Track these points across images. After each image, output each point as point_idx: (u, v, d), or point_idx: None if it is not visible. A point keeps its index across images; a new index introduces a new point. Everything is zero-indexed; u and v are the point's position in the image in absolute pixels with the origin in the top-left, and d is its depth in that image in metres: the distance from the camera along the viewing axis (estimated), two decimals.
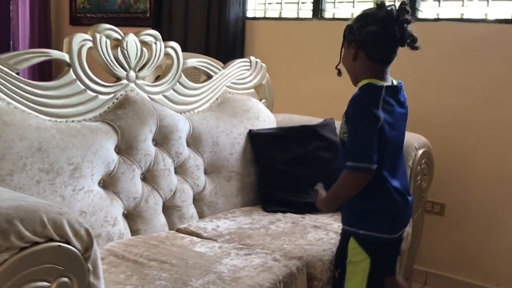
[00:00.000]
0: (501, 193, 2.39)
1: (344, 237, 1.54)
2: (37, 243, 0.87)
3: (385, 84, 1.49)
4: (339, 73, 1.59)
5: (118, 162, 1.73)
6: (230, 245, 1.68)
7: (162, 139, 1.90)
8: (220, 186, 2.07)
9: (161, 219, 1.85)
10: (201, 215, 1.99)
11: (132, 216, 1.76)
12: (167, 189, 1.88)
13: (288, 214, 2.03)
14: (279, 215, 2.01)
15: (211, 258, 1.55)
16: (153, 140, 1.87)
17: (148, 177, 1.84)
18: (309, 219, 1.99)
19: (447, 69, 2.48)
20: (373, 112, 1.43)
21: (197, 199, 2.00)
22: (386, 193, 1.49)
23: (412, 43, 1.47)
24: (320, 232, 1.84)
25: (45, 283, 0.89)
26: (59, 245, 0.90)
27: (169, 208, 1.89)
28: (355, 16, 1.51)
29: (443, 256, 2.56)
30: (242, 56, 3.04)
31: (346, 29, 1.51)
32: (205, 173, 2.05)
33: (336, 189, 1.50)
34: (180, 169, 1.96)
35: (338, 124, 1.89)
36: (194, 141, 2.02)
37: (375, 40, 1.45)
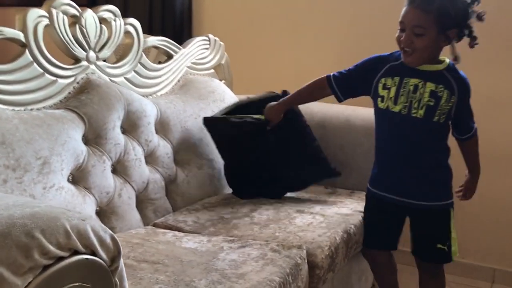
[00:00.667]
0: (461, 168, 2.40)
1: (442, 212, 1.67)
2: (61, 258, 0.71)
3: None
4: (456, 59, 1.63)
5: (88, 154, 1.54)
6: (219, 238, 1.55)
7: (131, 126, 1.72)
8: (191, 174, 1.92)
9: (136, 214, 1.68)
10: (175, 207, 1.83)
11: (105, 213, 1.58)
12: (140, 181, 1.71)
13: (265, 200, 1.92)
14: (257, 201, 1.89)
15: (205, 254, 1.41)
16: (121, 127, 1.69)
17: (119, 168, 1.66)
18: (288, 203, 1.89)
19: None
20: None
21: (170, 190, 1.84)
22: None
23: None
24: (307, 217, 1.75)
25: None
26: (87, 258, 0.73)
27: (142, 202, 1.73)
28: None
29: None
30: (190, 35, 2.87)
31: (438, 12, 1.50)
32: (175, 161, 1.89)
33: (478, 157, 1.75)
34: (150, 158, 1.79)
35: None
36: (162, 127, 1.85)
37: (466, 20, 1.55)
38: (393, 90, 1.63)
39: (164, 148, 1.83)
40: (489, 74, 2.30)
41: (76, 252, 0.73)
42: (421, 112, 1.59)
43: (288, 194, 2.00)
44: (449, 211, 1.68)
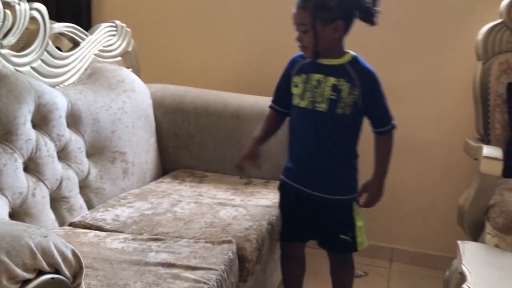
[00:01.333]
0: (367, 154, 2.53)
1: (345, 205, 1.73)
2: (27, 281, 0.64)
3: None
4: (317, 55, 1.65)
5: None
6: (143, 237, 1.50)
7: (41, 120, 1.60)
8: (104, 169, 1.84)
9: (50, 214, 1.57)
10: (89, 204, 1.74)
11: (19, 215, 1.46)
12: (53, 178, 1.60)
13: (184, 193, 1.89)
14: (176, 196, 1.86)
15: (134, 254, 1.36)
16: (32, 122, 1.56)
17: (31, 166, 1.54)
18: (207, 196, 1.88)
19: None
20: None
21: (83, 187, 1.75)
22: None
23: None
24: (229, 209, 1.75)
25: None
26: (52, 278, 0.67)
27: (56, 201, 1.62)
28: None
29: None
30: (89, 20, 2.72)
31: (315, 7, 1.56)
32: (88, 155, 1.79)
33: (386, 159, 1.74)
34: (63, 154, 1.68)
35: None
36: (73, 120, 1.74)
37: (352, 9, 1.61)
38: (300, 87, 1.69)
39: (76, 143, 1.73)
40: (390, 66, 2.43)
41: (40, 272, 0.66)
42: (324, 105, 1.65)
43: (205, 186, 1.99)
44: (351, 204, 1.74)
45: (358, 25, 2.42)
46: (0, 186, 1.39)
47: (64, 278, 0.70)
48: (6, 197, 1.41)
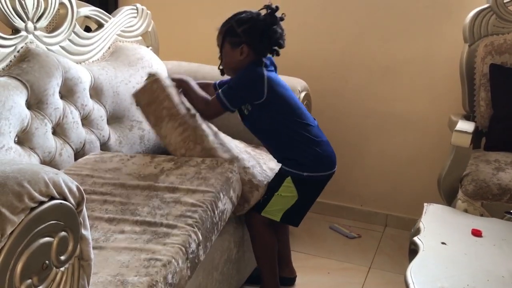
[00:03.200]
0: (365, 127, 2.76)
1: (281, 174, 1.90)
2: (43, 202, 0.92)
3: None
4: (223, 72, 1.97)
5: (31, 118, 1.70)
6: (160, 158, 1.78)
7: (68, 92, 1.89)
8: (123, 135, 2.12)
9: None
10: None
11: None
12: (77, 141, 1.89)
13: None
14: None
15: (148, 179, 1.64)
16: (60, 93, 1.85)
17: (59, 130, 1.83)
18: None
19: (318, 16, 2.73)
20: None
21: (104, 149, 2.03)
22: None
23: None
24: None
25: (50, 239, 0.94)
26: (61, 202, 0.95)
27: None
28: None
29: None
30: (116, 1, 3.00)
31: (225, 32, 1.88)
32: (108, 123, 2.08)
33: (195, 93, 1.95)
34: (86, 121, 1.97)
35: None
36: (96, 92, 2.03)
37: (262, 38, 1.86)
38: None
39: (98, 112, 2.02)
40: (387, 46, 2.64)
41: (52, 198, 0.95)
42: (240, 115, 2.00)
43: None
44: (286, 176, 1.89)
45: (359, 9, 2.65)
46: (32, 145, 1.70)
47: (69, 204, 0.98)
48: (38, 155, 1.71)
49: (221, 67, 1.97)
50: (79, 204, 1.00)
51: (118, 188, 1.59)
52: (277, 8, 1.88)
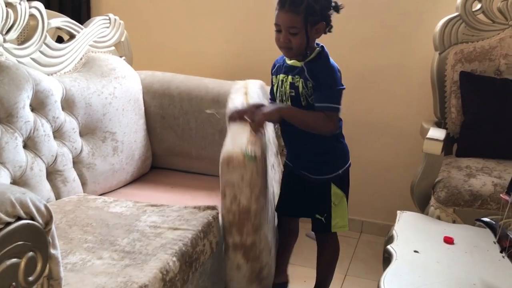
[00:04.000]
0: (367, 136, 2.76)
1: (322, 185, 1.86)
2: (9, 223, 0.91)
3: None
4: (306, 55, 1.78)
5: (1, 132, 1.68)
6: (143, 204, 1.77)
7: (39, 105, 1.86)
8: (96, 147, 2.10)
9: (46, 185, 1.85)
10: (81, 178, 2.01)
11: (19, 185, 1.72)
12: (49, 154, 1.87)
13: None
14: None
15: (129, 218, 1.64)
16: (30, 106, 1.83)
17: (30, 144, 1.81)
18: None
19: None
20: None
21: (76, 162, 2.01)
22: None
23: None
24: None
25: (17, 260, 0.93)
26: (28, 223, 0.94)
27: (51, 174, 1.89)
28: None
29: None
30: (88, 11, 2.98)
31: (306, 12, 1.70)
32: (81, 135, 2.06)
33: (302, 115, 1.76)
34: (58, 134, 1.95)
35: None
36: (68, 104, 2.01)
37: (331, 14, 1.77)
38: (275, 86, 1.89)
39: (70, 124, 1.99)
40: (361, 55, 2.67)
41: (19, 218, 0.93)
42: (289, 102, 1.81)
43: None
44: (329, 185, 1.86)
45: (333, 18, 2.67)
46: (2, 160, 1.67)
47: (37, 224, 0.96)
48: (8, 170, 1.68)
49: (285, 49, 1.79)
50: (47, 223, 0.99)
51: (99, 222, 1.59)
52: None
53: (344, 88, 1.79)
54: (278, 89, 1.85)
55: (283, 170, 2.07)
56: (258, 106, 1.82)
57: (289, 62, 1.84)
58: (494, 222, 1.45)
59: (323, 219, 1.90)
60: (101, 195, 2.10)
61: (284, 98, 1.83)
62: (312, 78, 1.75)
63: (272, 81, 1.93)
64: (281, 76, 1.84)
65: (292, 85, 1.80)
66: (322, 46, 1.83)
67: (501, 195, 1.46)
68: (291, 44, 1.75)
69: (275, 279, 2.00)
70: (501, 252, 1.40)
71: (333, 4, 1.80)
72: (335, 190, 1.88)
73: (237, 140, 1.66)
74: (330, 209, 1.89)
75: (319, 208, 1.90)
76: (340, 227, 1.91)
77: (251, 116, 1.78)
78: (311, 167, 1.89)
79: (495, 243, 1.42)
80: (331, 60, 1.81)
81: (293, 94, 1.80)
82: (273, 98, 1.94)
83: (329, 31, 1.81)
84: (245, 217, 1.62)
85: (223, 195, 1.64)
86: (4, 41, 1.83)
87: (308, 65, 1.78)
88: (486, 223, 1.46)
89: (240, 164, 1.58)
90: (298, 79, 1.78)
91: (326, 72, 1.76)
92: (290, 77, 1.81)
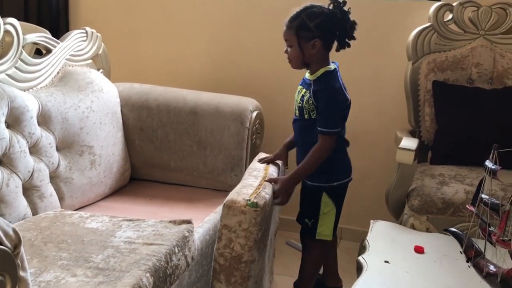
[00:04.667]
0: None
1: (315, 192, 1.98)
2: None
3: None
4: (306, 65, 1.97)
5: None
6: (119, 218, 1.79)
7: (14, 121, 1.87)
8: (73, 161, 2.11)
9: (23, 201, 1.85)
10: (59, 192, 2.02)
11: None
12: (25, 170, 1.88)
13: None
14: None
15: (104, 233, 1.65)
16: (5, 122, 1.84)
17: (5, 161, 1.82)
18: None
19: (270, 36, 2.78)
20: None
21: (53, 177, 2.03)
22: None
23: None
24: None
25: None
26: None
27: (28, 189, 1.90)
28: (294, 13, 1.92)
29: None
30: (67, 22, 2.99)
31: (297, 27, 1.89)
32: (58, 150, 2.07)
33: (306, 162, 1.92)
34: (34, 149, 1.96)
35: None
36: (44, 120, 2.01)
37: (334, 32, 1.92)
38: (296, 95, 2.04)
39: (46, 139, 2.00)
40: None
41: None
42: (297, 112, 2.01)
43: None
44: (320, 192, 1.97)
45: None
46: None
47: (5, 248, 0.98)
48: None
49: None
50: (15, 246, 1.01)
51: (75, 238, 1.60)
52: (344, 3, 1.92)
53: (344, 111, 1.97)
54: (295, 99, 2.03)
55: None
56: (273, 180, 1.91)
57: (307, 76, 2.01)
58: (460, 232, 1.49)
59: (309, 224, 2.01)
60: (79, 209, 2.12)
61: (295, 107, 2.03)
62: (314, 98, 1.93)
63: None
64: (299, 87, 2.02)
65: (302, 98, 1.97)
66: (334, 68, 1.97)
67: (467, 205, 1.50)
68: (289, 56, 1.97)
69: (328, 283, 2.18)
70: (467, 261, 1.44)
71: (342, 22, 1.92)
72: (325, 199, 1.99)
73: (244, 190, 1.75)
74: (318, 216, 1.99)
75: (308, 213, 2.02)
76: (324, 236, 2.02)
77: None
78: (309, 175, 1.98)
79: (461, 252, 1.46)
80: (338, 80, 1.96)
81: (300, 105, 1.98)
82: None
83: (338, 50, 1.97)
84: (236, 265, 1.68)
85: (219, 238, 1.70)
86: None
87: (315, 82, 1.95)
88: (452, 233, 1.50)
89: (240, 211, 1.65)
90: (306, 93, 1.96)
91: (327, 96, 1.92)
92: (304, 90, 1.98)
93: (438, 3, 2.46)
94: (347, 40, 1.94)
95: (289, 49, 1.95)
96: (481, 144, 2.31)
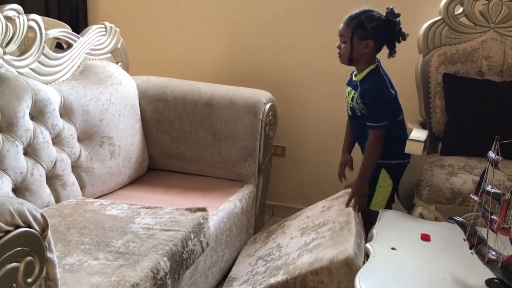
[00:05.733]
0: (330, 135, 2.88)
1: (376, 169, 2.16)
2: (9, 231, 1.01)
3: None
4: (352, 62, 2.15)
5: (2, 140, 1.78)
6: (138, 206, 1.88)
7: (38, 113, 1.96)
8: (93, 151, 2.20)
9: (46, 189, 1.95)
10: (80, 181, 2.12)
11: (20, 190, 1.84)
12: (48, 160, 1.97)
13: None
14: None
15: (124, 220, 1.74)
16: (30, 115, 1.93)
17: (30, 151, 1.91)
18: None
19: (283, 28, 2.84)
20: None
21: (75, 166, 2.12)
22: None
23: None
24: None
25: (17, 264, 1.03)
26: (26, 230, 1.04)
27: (51, 178, 1.99)
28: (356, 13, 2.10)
29: (285, 190, 3.02)
30: (85, 17, 3.08)
31: (355, 25, 2.07)
32: (79, 140, 2.16)
33: (366, 160, 2.16)
34: (57, 140, 2.05)
35: None
36: (66, 112, 2.11)
37: (387, 36, 2.11)
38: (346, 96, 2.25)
39: (68, 130, 2.10)
40: None
41: (18, 227, 1.03)
42: (350, 112, 2.23)
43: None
44: (380, 168, 2.17)
45: (322, 21, 2.76)
46: (4, 167, 1.77)
47: (34, 231, 1.07)
48: (10, 176, 1.79)
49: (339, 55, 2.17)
50: (43, 230, 1.09)
51: (96, 225, 1.70)
52: (399, 15, 2.14)
53: (388, 105, 2.13)
54: (346, 99, 2.23)
55: None
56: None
57: (354, 77, 2.20)
58: (464, 221, 1.55)
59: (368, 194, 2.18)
60: (99, 197, 2.21)
61: (347, 107, 2.23)
62: (361, 97, 2.12)
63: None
64: (348, 88, 2.22)
65: (352, 98, 2.18)
66: (377, 65, 2.15)
67: (470, 195, 1.55)
68: (341, 51, 2.14)
69: None
70: (470, 248, 1.50)
71: (395, 30, 2.12)
72: (383, 174, 2.19)
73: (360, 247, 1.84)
74: (375, 189, 2.19)
75: (370, 186, 2.19)
76: (377, 207, 2.17)
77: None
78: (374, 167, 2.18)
79: (465, 240, 1.52)
80: (381, 76, 2.14)
81: (352, 106, 2.19)
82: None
83: (391, 56, 2.16)
84: None
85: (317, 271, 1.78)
86: (4, 53, 1.93)
87: (361, 83, 2.13)
88: (457, 221, 1.56)
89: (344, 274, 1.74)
90: (354, 94, 2.16)
91: (371, 95, 2.10)
92: (353, 91, 2.17)
93: None
94: (396, 42, 2.13)
95: (342, 45, 2.11)
96: (491, 135, 2.37)
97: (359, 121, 2.20)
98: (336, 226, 1.95)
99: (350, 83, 2.22)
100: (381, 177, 2.20)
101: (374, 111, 2.11)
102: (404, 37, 2.13)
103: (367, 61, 2.13)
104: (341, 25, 2.12)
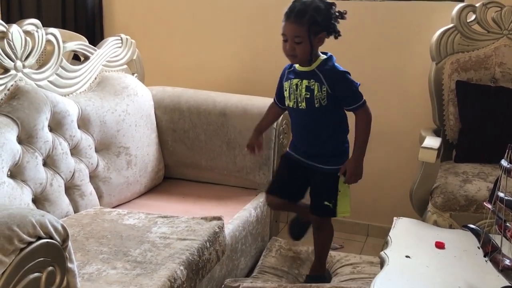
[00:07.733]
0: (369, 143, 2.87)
1: (330, 175, 2.08)
2: (31, 242, 1.05)
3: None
4: (310, 61, 2.01)
5: (22, 152, 1.83)
6: (154, 215, 1.91)
7: (56, 125, 2.01)
8: (110, 161, 2.24)
9: (65, 199, 1.99)
10: (98, 191, 2.16)
11: (40, 200, 1.88)
12: (67, 171, 2.01)
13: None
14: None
15: (141, 229, 1.78)
16: (49, 126, 1.98)
17: (49, 162, 1.95)
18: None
19: None
20: None
21: (93, 176, 2.16)
22: None
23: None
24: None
25: (39, 274, 1.07)
26: (47, 241, 1.07)
27: (70, 188, 2.04)
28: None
29: None
30: (101, 29, 3.13)
31: (309, 23, 1.92)
32: (96, 151, 2.20)
33: (361, 137, 2.07)
34: (75, 151, 2.09)
35: None
36: (83, 123, 2.15)
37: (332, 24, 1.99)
38: (287, 91, 2.10)
39: (86, 141, 2.14)
40: (360, 65, 2.77)
41: (39, 238, 1.07)
42: (303, 104, 2.03)
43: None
44: (336, 175, 2.08)
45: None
46: (24, 178, 1.82)
47: (55, 242, 1.10)
48: (30, 187, 1.83)
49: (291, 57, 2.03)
50: (64, 240, 1.13)
51: (114, 234, 1.73)
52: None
53: (359, 84, 2.03)
54: (293, 93, 2.05)
55: (281, 159, 2.31)
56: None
57: (299, 68, 2.05)
58: (478, 228, 1.55)
59: (331, 205, 2.10)
60: (116, 206, 2.25)
61: (299, 100, 2.04)
62: (329, 85, 1.98)
63: (281, 87, 2.14)
64: (294, 80, 2.04)
65: (308, 88, 2.01)
66: (330, 55, 2.05)
67: (484, 202, 1.56)
68: (296, 52, 1.96)
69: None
70: (484, 256, 1.50)
71: (336, 14, 2.00)
72: (341, 179, 2.09)
73: None
74: (337, 197, 2.09)
75: (328, 196, 2.10)
76: (344, 213, 2.13)
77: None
78: (323, 160, 2.10)
79: (479, 248, 1.52)
80: (338, 65, 2.04)
81: (308, 96, 2.01)
82: (280, 101, 2.20)
83: (336, 38, 2.03)
84: None
85: None
86: (23, 67, 1.98)
87: (321, 71, 2.00)
88: (471, 229, 1.56)
89: None
90: (313, 83, 2.00)
91: (342, 80, 2.00)
92: (305, 81, 2.01)
93: (461, 4, 2.50)
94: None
95: (296, 46, 1.95)
96: (505, 142, 2.37)
97: (317, 114, 2.03)
98: None
99: (295, 75, 2.05)
100: (340, 183, 2.09)
101: (353, 91, 2.01)
102: (343, 16, 2.00)
103: (317, 52, 2.02)
104: (290, 25, 1.94)
